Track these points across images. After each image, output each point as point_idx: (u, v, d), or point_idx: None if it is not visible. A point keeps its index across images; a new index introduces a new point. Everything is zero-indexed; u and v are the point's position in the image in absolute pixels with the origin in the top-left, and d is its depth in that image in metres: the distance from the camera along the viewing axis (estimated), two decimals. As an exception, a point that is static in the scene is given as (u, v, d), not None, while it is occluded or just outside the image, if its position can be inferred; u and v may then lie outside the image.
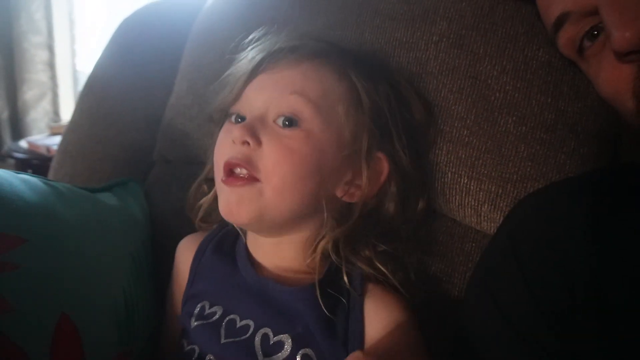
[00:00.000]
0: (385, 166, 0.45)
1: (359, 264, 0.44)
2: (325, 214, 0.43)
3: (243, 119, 0.44)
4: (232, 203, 0.42)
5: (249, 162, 0.41)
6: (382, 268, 0.44)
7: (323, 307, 0.42)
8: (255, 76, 0.44)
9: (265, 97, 0.43)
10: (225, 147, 0.43)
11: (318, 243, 0.44)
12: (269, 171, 0.41)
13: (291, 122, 0.42)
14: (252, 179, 0.41)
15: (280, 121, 0.42)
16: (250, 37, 0.48)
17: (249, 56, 0.46)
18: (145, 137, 0.70)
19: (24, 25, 1.85)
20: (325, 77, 0.44)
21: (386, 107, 0.45)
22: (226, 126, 0.46)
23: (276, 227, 0.44)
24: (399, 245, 0.47)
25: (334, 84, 0.44)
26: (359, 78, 0.45)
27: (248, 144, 0.41)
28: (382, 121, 0.45)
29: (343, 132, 0.44)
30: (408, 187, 0.47)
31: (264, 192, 0.41)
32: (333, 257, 0.44)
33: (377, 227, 0.46)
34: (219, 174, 0.44)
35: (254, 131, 0.42)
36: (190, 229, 0.55)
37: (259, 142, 0.41)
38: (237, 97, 0.45)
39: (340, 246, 0.44)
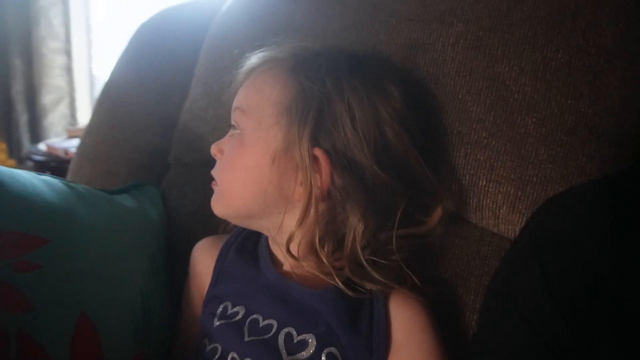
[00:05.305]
0: (324, 163, 0.42)
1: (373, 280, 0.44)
2: (283, 216, 0.44)
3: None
4: (212, 199, 0.49)
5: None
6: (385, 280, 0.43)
7: (350, 306, 0.42)
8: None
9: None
10: None
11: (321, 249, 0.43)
12: (217, 178, 0.48)
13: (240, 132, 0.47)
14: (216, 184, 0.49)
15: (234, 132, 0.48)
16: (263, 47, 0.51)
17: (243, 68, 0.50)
18: (161, 140, 0.71)
19: (42, 30, 1.89)
20: (266, 84, 0.46)
21: (340, 105, 0.43)
22: None
23: (245, 221, 0.49)
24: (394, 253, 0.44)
25: (268, 91, 0.45)
26: (306, 78, 0.44)
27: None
28: (326, 117, 0.43)
29: (276, 138, 0.43)
30: (380, 187, 0.43)
31: (220, 194, 0.48)
32: (348, 273, 0.43)
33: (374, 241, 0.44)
34: None
35: (220, 146, 0.49)
36: (205, 231, 0.56)
37: (222, 154, 0.49)
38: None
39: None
